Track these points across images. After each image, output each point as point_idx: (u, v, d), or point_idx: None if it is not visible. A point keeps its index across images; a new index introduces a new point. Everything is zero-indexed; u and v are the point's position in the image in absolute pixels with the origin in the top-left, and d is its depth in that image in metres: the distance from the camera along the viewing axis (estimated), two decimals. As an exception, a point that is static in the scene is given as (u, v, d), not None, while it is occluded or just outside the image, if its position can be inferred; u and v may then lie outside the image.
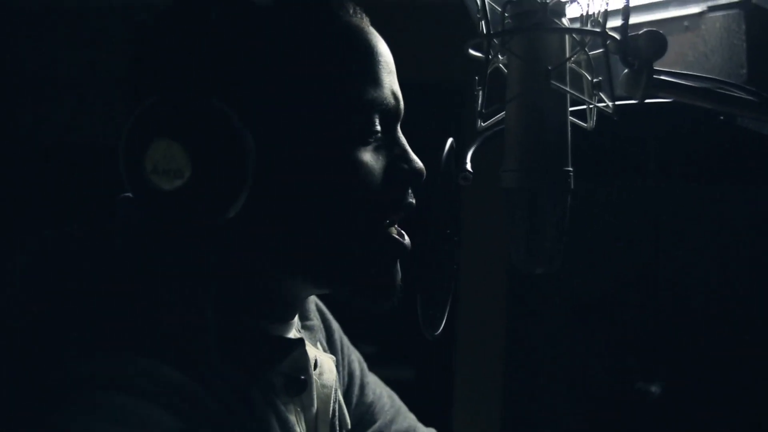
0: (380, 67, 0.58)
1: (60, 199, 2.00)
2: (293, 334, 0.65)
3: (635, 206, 1.51)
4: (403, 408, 0.86)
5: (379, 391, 0.84)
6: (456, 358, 1.78)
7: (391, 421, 0.82)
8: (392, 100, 0.60)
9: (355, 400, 0.80)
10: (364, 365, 0.84)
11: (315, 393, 0.64)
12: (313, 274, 0.60)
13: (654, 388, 1.32)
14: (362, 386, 0.81)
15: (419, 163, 0.62)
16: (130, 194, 0.61)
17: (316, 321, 0.76)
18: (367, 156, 0.58)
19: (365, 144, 0.58)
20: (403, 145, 0.62)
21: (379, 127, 0.59)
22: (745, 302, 1.32)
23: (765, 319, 1.26)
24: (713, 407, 1.29)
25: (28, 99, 2.11)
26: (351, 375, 0.81)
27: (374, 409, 0.82)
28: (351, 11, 0.59)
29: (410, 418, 0.85)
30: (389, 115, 0.60)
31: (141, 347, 0.50)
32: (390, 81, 0.60)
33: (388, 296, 0.61)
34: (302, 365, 0.62)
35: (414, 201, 0.62)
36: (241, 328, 0.58)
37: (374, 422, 0.81)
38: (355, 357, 0.83)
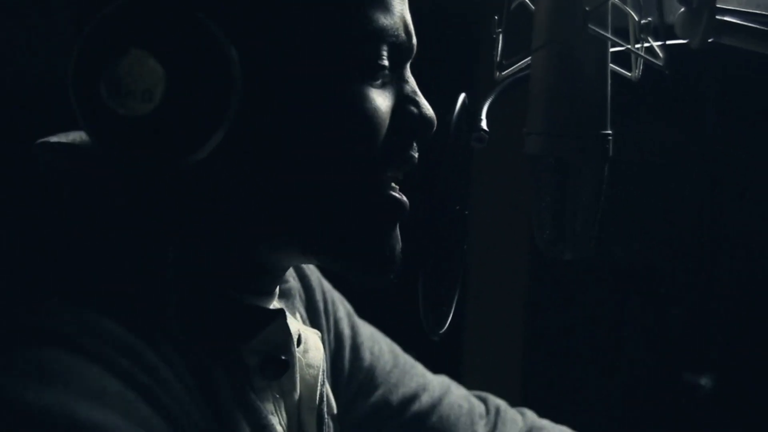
0: None
1: None
2: (272, 305, 0.65)
3: (689, 156, 1.50)
4: (409, 362, 0.85)
5: (378, 349, 0.83)
6: (464, 352, 1.81)
7: (397, 384, 0.82)
8: (403, 32, 0.59)
9: (347, 366, 0.80)
10: (356, 319, 0.84)
11: (298, 375, 0.64)
12: (298, 235, 0.59)
13: (704, 381, 1.34)
14: (355, 348, 0.81)
15: (430, 110, 0.61)
16: (52, 139, 0.61)
17: (293, 282, 0.75)
18: (373, 93, 0.58)
19: (371, 79, 0.58)
20: (413, 86, 0.62)
21: (387, 62, 0.58)
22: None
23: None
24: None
25: None
26: (339, 336, 0.81)
27: (374, 372, 0.82)
28: None
29: (418, 374, 0.85)
30: (399, 49, 0.60)
31: (87, 301, 0.50)
32: (402, 9, 0.59)
33: (386, 267, 0.61)
34: (282, 341, 0.61)
35: (416, 156, 0.61)
36: (206, 293, 0.58)
37: (376, 389, 0.81)
38: (343, 312, 0.83)
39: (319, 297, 0.80)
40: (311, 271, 0.81)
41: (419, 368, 0.86)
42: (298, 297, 0.75)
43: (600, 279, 1.61)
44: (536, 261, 1.63)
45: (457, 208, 0.61)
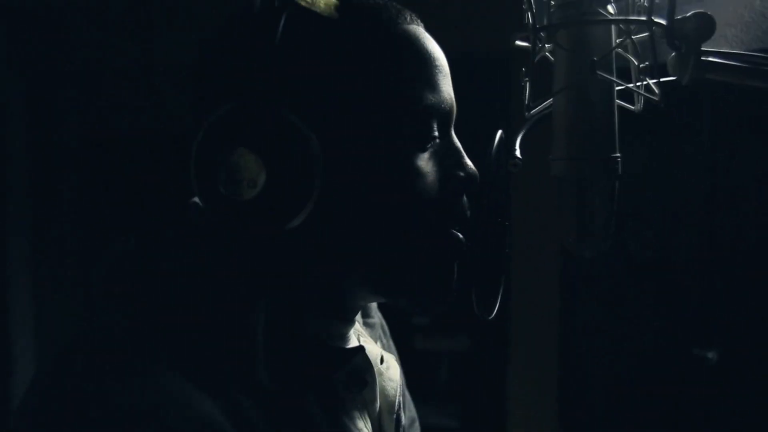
0: (437, 71, 0.60)
1: (117, 189, 2.07)
2: (353, 333, 0.67)
3: (692, 167, 1.50)
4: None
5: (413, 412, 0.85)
6: (511, 325, 1.82)
7: None
8: (449, 104, 0.61)
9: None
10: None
11: (378, 388, 0.66)
12: (370, 278, 0.61)
13: (711, 354, 1.34)
14: (412, 420, 0.82)
15: (473, 169, 0.62)
16: (197, 200, 0.63)
17: (377, 319, 0.78)
18: (424, 162, 0.59)
19: (423, 150, 0.59)
20: (458, 150, 0.63)
21: (437, 133, 0.60)
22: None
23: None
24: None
25: (85, 90, 2.17)
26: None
27: (415, 422, 0.83)
28: (408, 18, 0.60)
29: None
30: (445, 118, 0.61)
31: (182, 369, 0.51)
32: (446, 85, 0.61)
33: (445, 297, 0.62)
34: (364, 366, 0.63)
35: (468, 212, 0.63)
36: (296, 339, 0.59)
37: None
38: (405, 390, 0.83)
39: (392, 343, 0.82)
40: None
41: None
42: (380, 329, 0.78)
43: (620, 272, 1.61)
44: (567, 259, 1.64)
45: (500, 220, 0.64)
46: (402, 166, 0.58)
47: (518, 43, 0.65)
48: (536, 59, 0.61)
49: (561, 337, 1.73)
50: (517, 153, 0.66)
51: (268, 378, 0.55)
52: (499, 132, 0.63)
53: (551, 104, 0.65)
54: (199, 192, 0.54)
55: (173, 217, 0.64)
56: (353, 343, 0.67)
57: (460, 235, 0.62)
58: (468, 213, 0.63)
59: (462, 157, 0.63)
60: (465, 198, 0.63)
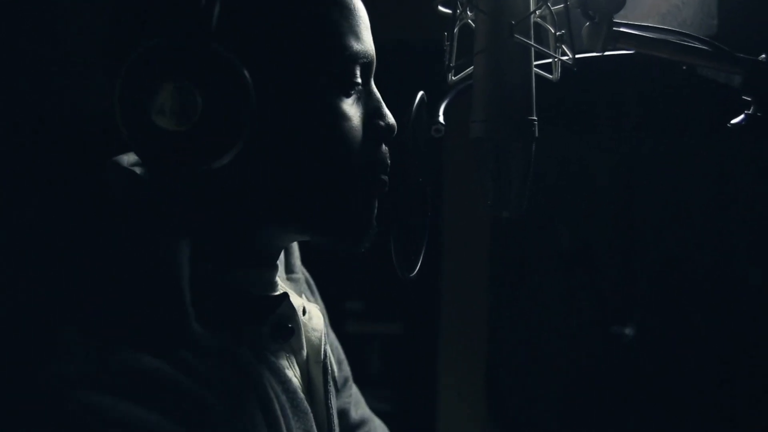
0: (359, 21, 0.62)
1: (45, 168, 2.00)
2: (277, 282, 0.68)
3: (612, 158, 1.55)
4: (356, 391, 0.88)
5: (347, 364, 0.86)
6: (441, 310, 1.84)
7: (357, 404, 0.85)
8: (371, 55, 0.63)
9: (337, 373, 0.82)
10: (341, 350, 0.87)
11: (304, 337, 0.67)
12: (296, 218, 0.62)
13: (627, 331, 1.39)
14: (339, 362, 0.84)
15: (391, 119, 0.65)
16: (122, 158, 0.63)
17: (300, 275, 0.79)
18: (348, 107, 0.61)
19: (347, 95, 0.61)
20: (378, 99, 0.65)
21: (359, 80, 0.62)
22: (711, 246, 1.38)
23: (729, 262, 1.32)
24: (685, 347, 1.36)
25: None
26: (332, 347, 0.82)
27: (347, 381, 0.84)
28: None
29: (365, 406, 0.88)
30: (367, 68, 0.63)
31: (120, 334, 0.52)
32: (368, 36, 0.63)
33: (365, 233, 0.64)
34: (288, 314, 0.65)
35: (388, 160, 0.65)
36: (222, 290, 0.60)
37: (343, 395, 0.83)
38: (334, 337, 0.84)
39: (321, 303, 0.83)
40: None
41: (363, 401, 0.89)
42: (304, 284, 0.79)
43: (547, 259, 1.66)
44: (497, 228, 1.67)
45: (420, 180, 0.66)
46: (327, 108, 0.59)
47: (441, 9, 0.66)
48: (458, 25, 0.63)
49: (490, 323, 1.76)
50: (441, 119, 0.67)
51: (201, 330, 0.55)
52: (420, 93, 0.64)
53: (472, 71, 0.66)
54: (125, 124, 0.53)
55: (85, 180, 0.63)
56: (278, 291, 0.67)
57: (382, 176, 0.64)
58: (388, 162, 0.64)
59: (381, 106, 0.64)
60: (386, 149, 0.64)
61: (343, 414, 0.82)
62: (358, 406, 0.85)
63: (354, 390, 0.86)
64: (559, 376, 1.59)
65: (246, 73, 0.53)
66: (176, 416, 0.49)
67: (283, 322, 0.64)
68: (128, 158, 0.64)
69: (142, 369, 0.50)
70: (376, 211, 0.65)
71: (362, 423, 0.85)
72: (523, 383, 1.69)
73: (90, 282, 0.55)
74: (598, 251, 1.60)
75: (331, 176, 0.61)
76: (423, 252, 0.67)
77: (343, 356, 0.84)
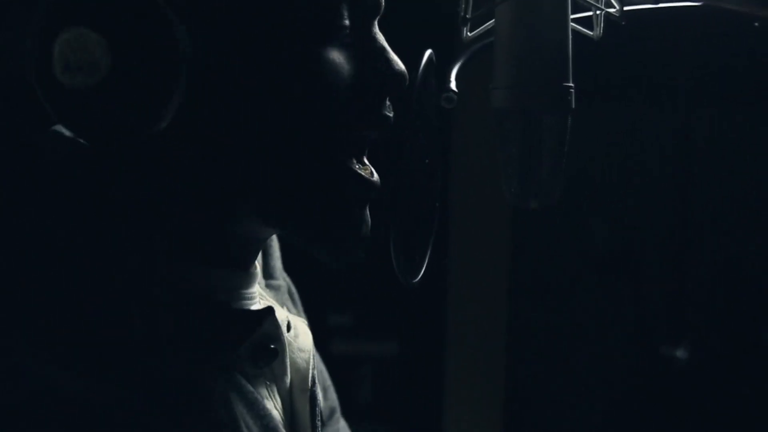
0: None
1: None
2: (255, 292, 0.66)
3: (667, 138, 1.55)
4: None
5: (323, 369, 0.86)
6: (448, 327, 1.83)
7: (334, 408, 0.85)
8: None
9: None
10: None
11: (288, 360, 0.66)
12: (263, 206, 0.60)
13: (680, 353, 1.39)
14: (325, 389, 0.83)
15: (399, 64, 0.61)
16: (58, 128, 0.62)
17: (282, 282, 0.78)
18: (334, 54, 0.58)
19: (331, 41, 0.58)
20: (381, 41, 0.62)
21: (347, 22, 0.59)
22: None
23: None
24: (747, 373, 1.36)
25: None
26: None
27: (328, 389, 0.84)
28: None
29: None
30: (363, 6, 0.60)
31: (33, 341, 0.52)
32: None
33: (352, 247, 0.63)
34: (272, 333, 0.63)
35: (392, 115, 0.62)
36: (186, 297, 0.59)
37: (327, 400, 0.83)
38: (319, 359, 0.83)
39: (300, 305, 0.82)
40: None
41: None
42: (286, 293, 0.78)
43: (576, 265, 1.66)
44: (517, 222, 1.67)
45: (427, 161, 0.65)
46: (296, 56, 0.57)
47: (456, -54, 0.65)
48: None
49: (509, 343, 1.75)
50: (452, 85, 0.67)
51: (150, 350, 0.55)
52: (428, 52, 0.62)
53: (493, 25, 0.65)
54: (37, 86, 0.53)
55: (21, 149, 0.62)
56: (257, 304, 0.66)
57: (374, 175, 0.62)
58: (389, 116, 0.62)
59: (385, 49, 0.62)
60: (389, 103, 0.62)
61: None
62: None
63: (342, 424, 0.85)
64: (594, 410, 1.59)
65: (170, 12, 0.52)
66: None
67: (265, 341, 0.62)
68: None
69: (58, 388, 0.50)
70: (367, 214, 0.63)
71: None
72: (550, 418, 1.69)
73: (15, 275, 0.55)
74: (644, 255, 1.59)
75: (308, 146, 0.59)
76: (429, 252, 0.66)
77: (329, 382, 0.84)
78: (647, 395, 1.49)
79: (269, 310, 0.62)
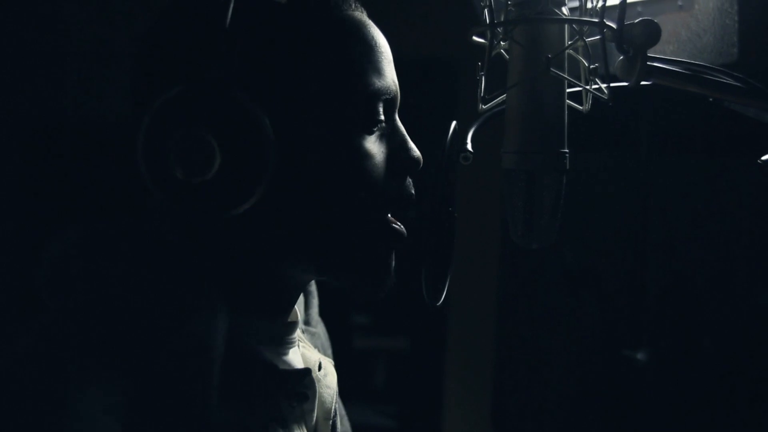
0: (382, 57, 0.61)
1: (65, 179, 2.00)
2: (296, 335, 0.67)
3: (625, 179, 1.55)
4: None
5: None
6: (449, 327, 1.84)
7: None
8: (393, 90, 0.62)
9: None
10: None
11: (317, 400, 0.66)
12: (315, 259, 0.62)
13: (640, 355, 1.39)
14: (341, 417, 0.82)
15: (417, 152, 0.64)
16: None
17: (320, 330, 0.79)
18: (371, 145, 0.61)
19: (369, 133, 0.61)
20: (403, 134, 0.65)
21: (383, 116, 0.61)
22: (727, 269, 1.38)
23: (748, 285, 1.32)
24: (697, 371, 1.36)
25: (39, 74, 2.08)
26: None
27: None
28: (352, 5, 0.62)
29: None
30: (391, 104, 0.63)
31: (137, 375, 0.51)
32: (390, 71, 0.63)
33: (383, 285, 0.64)
34: (307, 384, 0.63)
35: (413, 192, 0.64)
36: (244, 360, 0.59)
37: None
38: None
39: (330, 350, 0.83)
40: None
41: None
42: (320, 338, 0.79)
43: (556, 279, 1.66)
44: (506, 249, 1.67)
45: (450, 209, 0.66)
46: (350, 148, 0.59)
47: (475, 38, 0.66)
48: (492, 54, 0.63)
49: (498, 340, 1.76)
50: (469, 146, 0.68)
51: (217, 402, 0.53)
52: (454, 123, 0.64)
53: (504, 100, 0.66)
54: (149, 176, 0.53)
55: (117, 208, 0.62)
56: (296, 352, 0.66)
57: (402, 228, 0.64)
58: (413, 194, 0.64)
59: (406, 140, 0.64)
60: (410, 181, 0.64)
61: None
62: None
63: None
64: (566, 397, 1.59)
65: (265, 119, 0.53)
66: None
67: (300, 390, 0.63)
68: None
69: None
70: (392, 261, 0.64)
71: None
72: (530, 403, 1.69)
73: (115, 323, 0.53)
74: (604, 272, 1.59)
75: (353, 215, 0.61)
76: (448, 281, 0.67)
77: (343, 411, 0.83)
78: (610, 388, 1.49)
79: (307, 372, 0.63)
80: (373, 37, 0.62)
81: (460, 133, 0.66)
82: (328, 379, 0.69)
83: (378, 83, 0.60)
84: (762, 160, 0.69)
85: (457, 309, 1.80)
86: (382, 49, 0.62)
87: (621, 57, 0.64)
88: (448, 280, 0.67)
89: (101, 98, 1.98)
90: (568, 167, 0.64)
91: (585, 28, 0.62)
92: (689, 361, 1.39)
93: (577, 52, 0.66)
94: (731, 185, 1.37)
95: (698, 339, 1.38)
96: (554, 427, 1.63)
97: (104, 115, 1.96)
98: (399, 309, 1.87)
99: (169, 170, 0.52)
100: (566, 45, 0.62)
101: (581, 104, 0.67)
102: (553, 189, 0.64)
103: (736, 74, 0.68)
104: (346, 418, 0.84)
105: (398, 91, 0.64)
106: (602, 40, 0.62)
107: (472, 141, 0.68)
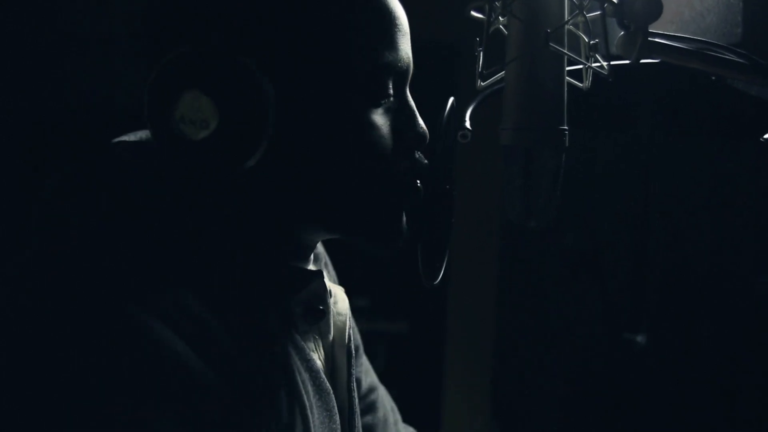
0: (396, 29, 0.60)
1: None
2: (310, 267, 0.68)
3: (627, 160, 1.54)
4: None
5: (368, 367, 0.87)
6: (449, 311, 1.83)
7: (367, 371, 0.86)
8: (405, 63, 0.61)
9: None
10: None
11: (332, 321, 0.68)
12: (326, 221, 0.63)
13: (640, 338, 1.38)
14: (359, 355, 0.84)
15: (424, 128, 0.64)
16: (125, 138, 0.63)
17: (321, 249, 0.79)
18: (377, 117, 0.60)
19: (377, 106, 0.60)
20: (412, 109, 0.64)
21: (392, 90, 0.61)
22: (730, 253, 1.37)
23: (751, 267, 1.31)
24: (697, 355, 1.36)
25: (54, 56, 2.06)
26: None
27: (359, 349, 0.85)
28: None
29: (372, 371, 0.89)
30: (401, 78, 0.62)
31: (176, 279, 0.54)
32: (404, 44, 0.61)
33: (396, 239, 0.64)
34: (321, 295, 0.65)
35: (423, 158, 0.64)
36: (264, 261, 0.62)
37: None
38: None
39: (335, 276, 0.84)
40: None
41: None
42: (324, 263, 0.79)
43: (555, 262, 1.65)
44: (506, 230, 1.67)
45: (447, 187, 0.65)
46: (354, 119, 0.59)
47: (473, 13, 0.65)
48: (490, 30, 0.62)
49: (497, 323, 1.75)
50: (467, 124, 0.67)
51: (243, 293, 0.57)
52: (451, 99, 0.63)
53: (503, 77, 0.65)
54: (153, 133, 0.55)
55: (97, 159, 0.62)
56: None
57: (414, 181, 0.63)
58: (426, 164, 0.64)
59: (415, 115, 0.63)
60: (420, 154, 0.64)
61: (356, 382, 0.82)
62: (368, 374, 0.86)
63: (364, 358, 0.87)
64: (565, 378, 1.58)
65: (265, 83, 0.54)
66: (211, 361, 0.52)
67: (315, 303, 0.64)
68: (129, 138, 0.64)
69: (189, 309, 0.52)
70: (405, 217, 0.64)
71: (370, 391, 0.86)
72: (529, 384, 1.69)
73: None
74: (606, 255, 1.58)
75: (359, 185, 0.60)
76: (445, 260, 0.66)
77: (353, 323, 0.84)
78: (611, 371, 1.49)
79: (320, 273, 0.64)
80: (388, 8, 0.60)
81: (459, 112, 0.66)
82: (339, 305, 0.70)
83: (389, 56, 0.59)
84: (765, 138, 0.68)
85: (457, 292, 1.80)
86: (398, 21, 0.60)
87: (622, 33, 0.63)
88: (446, 260, 0.66)
89: (104, 87, 1.97)
90: (567, 145, 0.63)
91: (585, 3, 0.61)
92: (690, 345, 1.38)
93: (578, 28, 0.65)
94: (735, 166, 1.36)
95: (699, 322, 1.38)
96: (554, 404, 1.63)
97: (105, 106, 1.94)
98: (398, 292, 1.87)
99: (170, 127, 0.54)
100: (566, 19, 0.61)
101: (581, 82, 0.66)
102: (552, 167, 0.63)
103: (739, 50, 0.67)
104: (356, 330, 0.85)
105: (411, 64, 0.63)
106: (603, 14, 0.61)
107: (471, 119, 0.67)
